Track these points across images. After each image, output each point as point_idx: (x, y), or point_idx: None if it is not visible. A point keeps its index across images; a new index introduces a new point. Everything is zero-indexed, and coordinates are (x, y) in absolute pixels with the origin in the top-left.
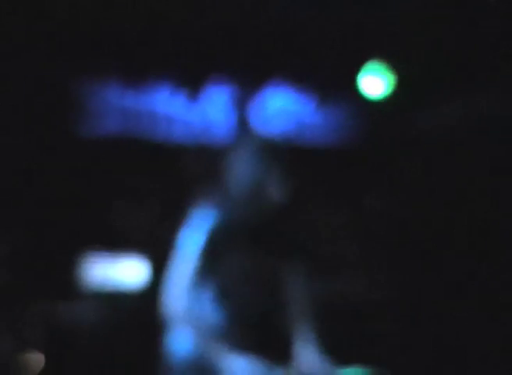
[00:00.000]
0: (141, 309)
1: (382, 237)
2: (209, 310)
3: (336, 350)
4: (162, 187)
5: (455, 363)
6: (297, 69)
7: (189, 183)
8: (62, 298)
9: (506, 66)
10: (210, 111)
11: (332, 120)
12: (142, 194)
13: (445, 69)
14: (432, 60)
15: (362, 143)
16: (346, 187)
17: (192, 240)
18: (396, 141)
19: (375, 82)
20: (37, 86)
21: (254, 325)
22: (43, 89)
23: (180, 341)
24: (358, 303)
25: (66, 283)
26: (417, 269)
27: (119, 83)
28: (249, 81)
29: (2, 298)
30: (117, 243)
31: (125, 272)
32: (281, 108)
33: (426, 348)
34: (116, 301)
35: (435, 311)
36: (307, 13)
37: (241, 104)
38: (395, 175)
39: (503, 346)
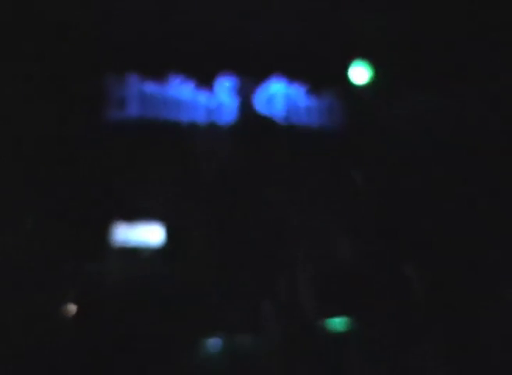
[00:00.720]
0: (158, 268)
1: (366, 211)
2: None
3: (327, 303)
4: (177, 162)
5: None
6: (295, 64)
7: (199, 158)
8: (91, 258)
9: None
10: (219, 96)
11: (323, 103)
12: (160, 169)
13: (419, 65)
14: (408, 57)
15: (349, 123)
16: (334, 164)
17: (200, 209)
18: (377, 121)
19: (361, 72)
20: (67, 77)
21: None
22: (73, 79)
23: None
24: (346, 266)
25: (95, 246)
26: (396, 239)
27: (141, 74)
28: (252, 71)
29: (42, 257)
30: (138, 211)
31: (144, 235)
32: (279, 93)
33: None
34: (137, 260)
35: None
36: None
37: (245, 90)
38: (378, 153)
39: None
